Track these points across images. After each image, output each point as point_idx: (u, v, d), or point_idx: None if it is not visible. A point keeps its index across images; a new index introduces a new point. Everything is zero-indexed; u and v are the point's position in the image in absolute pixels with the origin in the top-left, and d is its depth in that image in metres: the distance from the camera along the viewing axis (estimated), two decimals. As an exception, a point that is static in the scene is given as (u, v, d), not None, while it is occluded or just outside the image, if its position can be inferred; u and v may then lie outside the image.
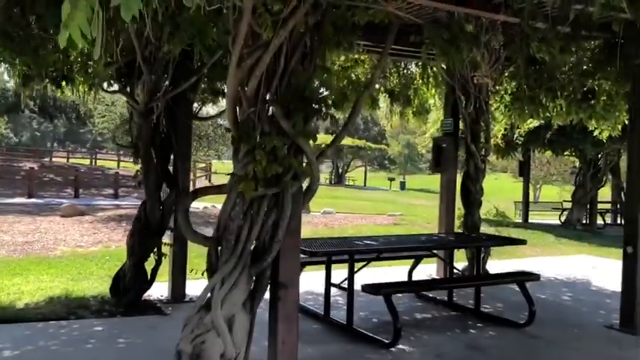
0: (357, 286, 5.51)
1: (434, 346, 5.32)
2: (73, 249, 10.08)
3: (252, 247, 3.94)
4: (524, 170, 19.96)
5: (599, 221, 18.96)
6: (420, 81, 9.38)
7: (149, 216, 6.18)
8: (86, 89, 7.41)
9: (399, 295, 6.81)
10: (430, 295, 7.03)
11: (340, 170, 46.91)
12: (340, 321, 5.77)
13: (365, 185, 46.44)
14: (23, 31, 6.00)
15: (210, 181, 29.30)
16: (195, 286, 5.77)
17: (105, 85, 6.68)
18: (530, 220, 19.31)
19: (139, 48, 5.52)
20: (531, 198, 25.95)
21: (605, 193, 21.23)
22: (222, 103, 7.59)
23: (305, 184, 4.16)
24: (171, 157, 6.40)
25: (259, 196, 3.84)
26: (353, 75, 8.57)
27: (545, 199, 31.00)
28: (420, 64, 9.15)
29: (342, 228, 13.96)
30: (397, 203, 26.12)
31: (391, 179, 49.86)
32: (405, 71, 9.51)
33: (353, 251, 5.73)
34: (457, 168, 8.79)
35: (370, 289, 5.32)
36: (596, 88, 7.46)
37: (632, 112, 6.29)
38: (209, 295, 3.84)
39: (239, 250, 3.84)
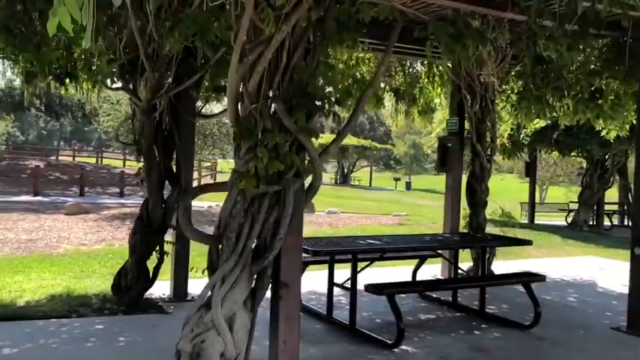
0: (361, 286, 5.45)
1: (438, 347, 5.26)
2: (76, 247, 10.06)
3: (253, 246, 3.89)
4: (530, 171, 19.85)
5: (606, 222, 18.82)
6: (426, 80, 9.32)
7: (151, 214, 6.14)
8: (90, 87, 7.41)
9: (403, 295, 6.75)
10: (434, 296, 6.97)
11: (346, 170, 46.84)
12: (343, 321, 5.71)
13: (370, 185, 46.38)
14: (26, 27, 5.98)
15: (215, 180, 29.27)
16: (198, 284, 5.70)
17: (108, 82, 6.64)
18: (536, 221, 19.20)
19: (142, 45, 5.48)
20: (537, 199, 25.85)
21: (612, 194, 21.09)
22: (226, 100, 7.55)
23: (308, 182, 4.11)
24: (174, 154, 6.36)
25: (260, 193, 3.79)
26: (358, 73, 8.52)
27: (551, 200, 30.87)
28: (425, 62, 9.10)
29: (347, 228, 13.90)
30: (403, 203, 26.05)
31: (397, 179, 49.76)
32: (410, 70, 9.45)
33: (356, 250, 5.67)
34: (463, 168, 8.72)
35: (373, 289, 5.26)
36: (604, 88, 7.38)
37: (640, 112, 6.21)
38: (209, 293, 3.80)
39: (240, 248, 3.79)
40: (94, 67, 6.76)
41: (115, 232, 11.56)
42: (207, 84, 6.50)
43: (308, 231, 12.39)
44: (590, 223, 18.32)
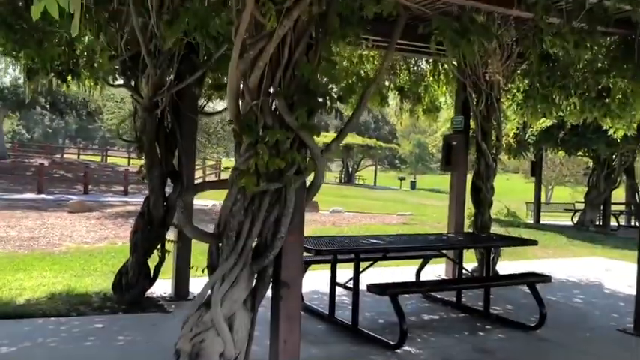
0: (363, 286, 5.38)
1: (441, 348, 5.19)
2: (78, 245, 10.03)
3: (253, 244, 3.83)
4: (536, 170, 19.74)
5: (613, 223, 18.69)
6: (431, 78, 9.24)
7: (153, 212, 6.09)
8: (92, 84, 7.36)
9: (406, 295, 6.68)
10: (438, 296, 6.89)
11: (350, 169, 46.78)
12: (345, 321, 5.64)
13: (375, 185, 46.32)
14: (27, 23, 5.93)
15: (219, 178, 29.26)
16: (200, 283, 5.64)
17: (110, 79, 6.60)
18: (541, 222, 19.08)
19: (144, 41, 5.43)
20: (543, 199, 25.71)
21: (618, 195, 20.94)
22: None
23: (309, 180, 4.04)
24: (176, 152, 6.30)
25: (261, 191, 3.74)
26: (362, 71, 8.45)
27: (557, 200, 30.73)
28: (430, 60, 9.02)
29: (351, 227, 13.84)
30: (407, 203, 25.97)
31: (401, 179, 49.67)
32: (415, 68, 9.37)
33: (359, 250, 5.60)
34: (468, 167, 8.63)
35: (376, 289, 5.20)
36: (612, 86, 7.28)
37: (648, 111, 6.12)
38: (209, 292, 3.75)
39: (240, 246, 3.73)
40: (96, 64, 6.71)
41: (117, 231, 11.53)
42: (209, 81, 6.45)
43: (311, 230, 12.33)
44: (597, 223, 18.19)
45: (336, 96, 3.92)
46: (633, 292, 5.95)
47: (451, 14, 5.05)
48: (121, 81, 6.34)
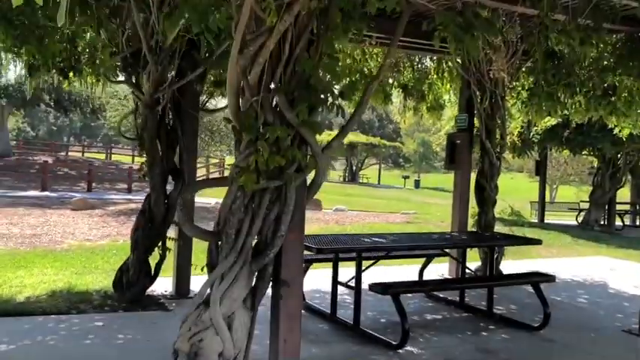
0: (365, 285, 5.33)
1: (443, 348, 5.13)
2: (80, 242, 10.00)
3: (253, 242, 3.78)
4: (540, 169, 19.63)
5: (618, 222, 18.58)
6: (435, 75, 9.17)
7: (154, 209, 6.05)
8: (94, 81, 7.32)
9: (409, 294, 6.63)
10: (441, 296, 6.83)
11: (354, 168, 46.72)
12: (347, 321, 5.59)
13: (379, 183, 46.24)
14: (27, 19, 5.90)
15: (223, 176, 29.26)
16: (201, 281, 5.61)
17: (111, 75, 6.56)
18: (546, 221, 18.99)
19: (145, 37, 5.38)
20: (547, 198, 25.60)
21: (624, 194, 20.83)
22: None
23: (311, 178, 3.99)
24: (178, 149, 6.26)
25: (261, 189, 3.68)
26: (365, 69, 8.40)
27: (561, 199, 30.61)
28: (434, 58, 8.96)
29: (354, 225, 13.78)
30: (411, 201, 25.91)
31: (405, 177, 49.58)
32: (419, 65, 9.31)
33: (361, 249, 5.54)
34: (472, 165, 8.56)
35: (378, 288, 5.14)
36: (617, 84, 7.21)
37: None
38: (208, 291, 3.70)
39: (239, 244, 3.68)
40: (97, 61, 6.68)
41: (120, 228, 11.50)
42: (211, 78, 6.40)
43: (314, 228, 12.29)
44: (602, 222, 18.09)
45: (337, 93, 3.88)
46: (638, 292, 5.90)
47: (455, 10, 4.98)
48: (122, 77, 6.30)
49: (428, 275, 7.30)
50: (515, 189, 32.55)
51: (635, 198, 19.90)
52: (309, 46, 3.72)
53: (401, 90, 9.40)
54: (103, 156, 39.73)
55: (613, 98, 7.26)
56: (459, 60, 7.80)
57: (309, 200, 4.08)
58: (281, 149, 3.65)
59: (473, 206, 8.21)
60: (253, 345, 3.84)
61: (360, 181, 45.95)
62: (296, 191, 3.76)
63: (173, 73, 5.87)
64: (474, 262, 7.95)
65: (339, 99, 3.94)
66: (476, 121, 8.13)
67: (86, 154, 40.29)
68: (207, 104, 7.26)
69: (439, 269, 8.09)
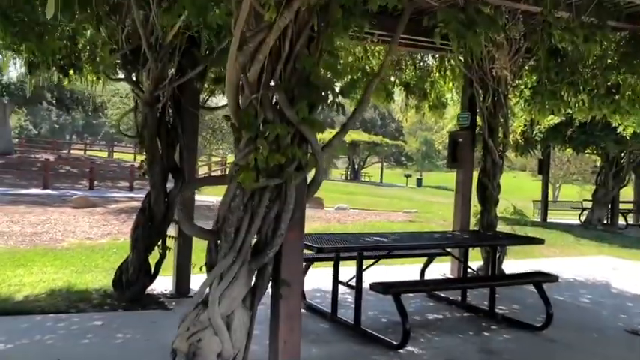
0: (366, 284, 5.28)
1: (445, 348, 5.08)
2: (80, 240, 9.97)
3: (253, 241, 3.75)
4: (543, 168, 19.56)
5: (621, 221, 18.52)
6: (437, 74, 9.12)
7: (154, 208, 6.02)
8: (94, 78, 7.29)
9: (410, 294, 6.58)
10: (443, 295, 6.78)
11: (356, 166, 46.66)
12: (348, 320, 5.55)
13: (381, 182, 46.17)
14: (27, 16, 5.86)
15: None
16: (201, 280, 5.57)
17: (112, 73, 6.52)
18: (548, 220, 18.92)
19: (144, 34, 5.34)
20: (550, 197, 25.53)
21: (627, 193, 20.75)
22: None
23: (311, 177, 3.95)
24: (178, 147, 6.22)
25: (261, 187, 3.64)
26: (367, 66, 8.34)
27: (564, 198, 30.52)
28: (437, 56, 8.90)
29: (355, 224, 13.73)
30: (413, 200, 25.84)
31: (408, 176, 49.49)
32: (421, 63, 9.25)
33: (362, 248, 5.50)
34: (474, 164, 8.50)
35: (379, 287, 5.09)
36: (621, 83, 7.15)
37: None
38: (207, 290, 3.67)
39: (239, 243, 3.64)
40: (98, 59, 6.64)
41: (121, 226, 11.47)
42: (211, 75, 6.36)
43: (316, 227, 12.25)
44: (604, 221, 18.02)
45: (338, 90, 3.83)
46: (642, 292, 5.84)
47: (457, 6, 4.94)
48: (122, 75, 6.26)
49: (430, 274, 7.25)
50: (518, 188, 32.45)
51: (639, 197, 19.81)
52: (310, 43, 3.67)
53: (403, 88, 9.34)
54: (105, 154, 39.74)
55: (617, 97, 7.21)
56: (461, 58, 7.75)
57: (310, 199, 4.04)
58: (281, 147, 3.61)
59: (475, 205, 8.15)
60: (253, 345, 3.80)
61: (363, 179, 45.88)
62: (296, 190, 3.72)
63: (173, 70, 5.84)
64: (476, 261, 7.90)
65: (340, 97, 3.90)
66: (478, 120, 8.07)
67: (88, 152, 40.30)
68: (209, 102, 7.22)
69: (441, 268, 8.04)
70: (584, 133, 15.14)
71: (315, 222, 13.24)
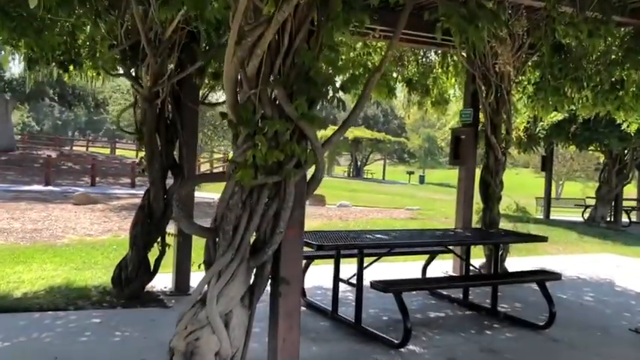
0: (367, 282, 5.23)
1: (446, 347, 5.02)
2: (81, 237, 9.94)
3: (251, 239, 3.69)
4: (546, 165, 19.47)
5: (625, 219, 18.42)
6: (440, 70, 9.04)
7: (153, 204, 5.97)
8: (95, 74, 7.23)
9: (412, 292, 6.52)
10: (444, 293, 6.73)
11: (359, 163, 46.61)
12: (348, 318, 5.49)
13: (383, 179, 46.14)
14: (25, 11, 5.80)
15: (227, 171, 29.16)
16: (201, 278, 5.54)
17: (111, 69, 6.46)
18: (552, 217, 18.84)
19: (143, 30, 5.28)
20: (553, 194, 25.44)
21: (630, 190, 20.66)
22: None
23: (310, 173, 3.89)
24: (177, 143, 6.17)
25: (259, 184, 3.59)
26: (369, 62, 8.28)
27: (567, 195, 30.44)
28: (439, 52, 8.83)
29: (357, 221, 13.68)
30: (415, 197, 25.79)
31: (410, 173, 49.42)
32: (423, 59, 9.18)
33: (362, 245, 5.44)
34: (476, 161, 8.44)
35: (379, 286, 5.03)
36: (625, 78, 7.08)
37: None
38: (205, 288, 3.62)
39: (237, 241, 3.59)
40: (98, 54, 6.59)
41: (121, 223, 11.43)
42: (210, 71, 6.30)
43: (318, 224, 12.20)
44: (608, 219, 17.93)
45: (338, 85, 3.77)
46: (646, 290, 5.77)
47: (458, 0, 4.87)
48: (121, 70, 6.20)
49: (432, 272, 7.19)
50: (521, 185, 32.38)
51: (642, 194, 19.74)
52: (309, 38, 3.61)
53: (405, 84, 9.27)
54: (107, 150, 39.74)
55: (621, 93, 7.14)
56: (464, 54, 7.68)
57: (309, 196, 3.98)
58: (280, 144, 3.55)
59: (477, 202, 8.09)
60: (253, 343, 3.76)
61: (365, 176, 45.83)
62: (295, 187, 3.66)
63: (172, 66, 5.78)
64: (478, 258, 7.84)
65: (341, 93, 3.83)
66: (481, 116, 8.00)
67: (90, 149, 40.33)
68: (209, 98, 7.16)
69: (443, 266, 7.98)
70: (587, 130, 15.05)
71: (316, 219, 13.20)
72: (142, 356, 4.38)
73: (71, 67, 6.78)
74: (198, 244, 6.17)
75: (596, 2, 5.22)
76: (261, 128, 3.53)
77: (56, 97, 30.46)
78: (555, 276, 6.12)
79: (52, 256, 8.11)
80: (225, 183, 3.74)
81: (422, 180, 46.79)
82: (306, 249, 5.00)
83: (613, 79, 7.09)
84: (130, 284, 5.93)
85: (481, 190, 7.95)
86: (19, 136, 39.11)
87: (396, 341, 4.92)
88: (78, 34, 6.56)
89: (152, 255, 6.00)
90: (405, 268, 7.64)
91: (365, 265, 5.42)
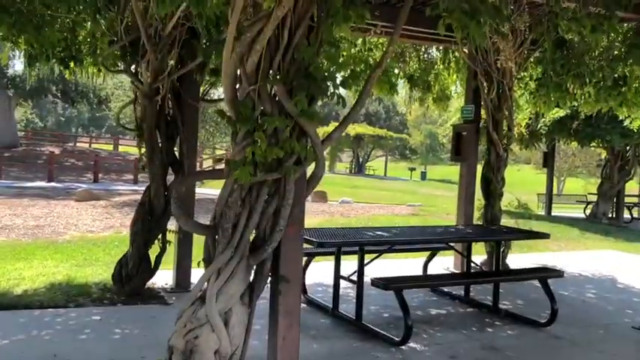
0: (368, 279, 5.21)
1: (448, 344, 5.01)
2: (82, 234, 9.94)
3: (251, 237, 3.67)
4: (548, 161, 19.43)
5: (626, 215, 18.39)
6: (441, 66, 9.01)
7: (154, 201, 5.96)
8: (95, 70, 7.21)
9: (413, 289, 6.50)
10: (446, 290, 6.71)
11: (361, 160, 46.57)
12: (349, 315, 5.48)
13: (385, 175, 46.09)
14: (24, 7, 5.78)
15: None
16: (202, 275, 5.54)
17: (111, 65, 6.43)
18: (553, 213, 18.81)
19: (143, 25, 5.26)
20: (555, 190, 25.39)
21: (632, 186, 20.61)
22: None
23: (311, 170, 3.86)
24: (178, 140, 6.15)
25: (259, 182, 3.56)
26: (370, 59, 8.25)
27: (569, 192, 30.38)
28: (441, 48, 8.79)
29: (359, 218, 13.67)
30: (417, 193, 25.75)
31: (412, 169, 49.37)
32: (425, 55, 9.14)
33: (363, 242, 5.42)
34: (478, 157, 8.40)
35: (380, 283, 5.02)
36: (628, 74, 7.04)
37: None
38: (205, 286, 3.60)
39: (236, 239, 3.57)
40: (98, 51, 6.56)
41: (123, 219, 11.43)
42: (211, 67, 6.27)
43: (319, 220, 12.19)
44: (610, 215, 17.90)
45: (339, 82, 3.74)
46: (648, 287, 5.74)
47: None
48: (121, 67, 6.18)
49: (433, 268, 7.17)
50: (523, 181, 32.30)
51: (645, 191, 19.69)
52: (309, 33, 3.57)
53: (407, 80, 9.24)
54: (110, 147, 39.71)
55: (624, 89, 7.10)
56: (465, 50, 7.64)
57: (309, 193, 3.95)
58: (279, 140, 3.52)
59: (479, 199, 8.07)
60: (253, 340, 3.75)
61: (367, 172, 45.80)
62: (295, 184, 3.63)
63: (172, 62, 5.75)
64: (479, 255, 7.82)
65: (341, 89, 3.80)
66: (483, 112, 7.96)
67: (94, 145, 40.29)
68: (211, 94, 7.14)
69: (444, 262, 7.97)
70: (589, 126, 15.01)
71: (318, 215, 13.18)
72: (141, 354, 4.37)
73: (72, 64, 6.75)
74: (199, 240, 6.15)
75: (600, -2, 5.18)
76: (260, 125, 3.50)
77: (59, 94, 30.46)
78: (557, 273, 6.10)
79: (53, 252, 8.10)
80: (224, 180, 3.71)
81: (423, 176, 46.73)
82: (306, 246, 4.98)
83: (616, 75, 7.05)
84: (130, 281, 5.92)
85: (482, 186, 7.92)
86: (23, 133, 39.09)
87: (396, 339, 4.90)
88: (78, 30, 6.54)
89: (153, 252, 5.99)
90: (406, 264, 7.63)
91: (366, 262, 5.40)
